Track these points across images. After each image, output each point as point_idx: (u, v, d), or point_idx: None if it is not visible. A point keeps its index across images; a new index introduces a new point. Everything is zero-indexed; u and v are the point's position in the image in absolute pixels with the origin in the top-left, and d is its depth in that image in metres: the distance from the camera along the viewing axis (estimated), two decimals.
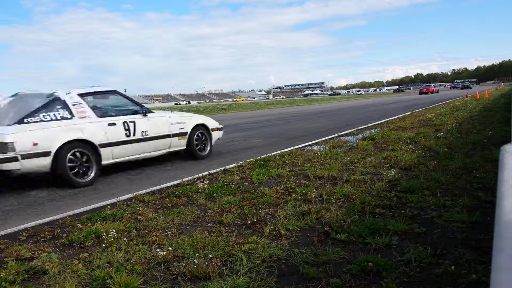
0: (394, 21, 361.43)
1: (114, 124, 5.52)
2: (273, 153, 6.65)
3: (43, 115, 4.97)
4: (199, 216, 3.51)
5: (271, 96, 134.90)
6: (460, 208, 3.27)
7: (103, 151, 5.32)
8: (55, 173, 4.93)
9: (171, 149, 6.45)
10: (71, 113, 5.18)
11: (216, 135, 7.30)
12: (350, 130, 9.83)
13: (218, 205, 3.74)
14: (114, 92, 6.13)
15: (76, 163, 5.02)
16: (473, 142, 6.46)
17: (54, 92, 5.31)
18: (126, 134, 5.64)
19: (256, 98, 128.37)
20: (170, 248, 2.75)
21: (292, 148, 7.32)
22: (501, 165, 1.03)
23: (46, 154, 4.77)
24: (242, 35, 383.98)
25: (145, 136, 5.90)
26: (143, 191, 4.51)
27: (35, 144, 4.70)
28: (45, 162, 4.79)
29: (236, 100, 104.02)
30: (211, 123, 7.23)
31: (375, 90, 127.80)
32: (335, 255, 2.54)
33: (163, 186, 4.78)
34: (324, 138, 8.57)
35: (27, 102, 5.33)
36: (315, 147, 7.29)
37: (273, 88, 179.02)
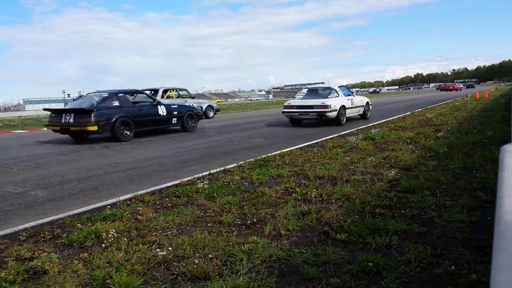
0: (394, 21, 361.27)
1: (348, 99, 12.36)
2: (273, 153, 6.65)
3: (332, 95, 12.03)
4: (199, 216, 3.51)
5: (271, 96, 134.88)
6: (460, 208, 3.27)
7: (346, 111, 12.06)
8: (336, 119, 11.60)
9: (359, 113, 13.37)
10: (338, 94, 12.14)
11: (371, 107, 14.33)
12: (350, 130, 9.84)
13: (218, 205, 3.74)
14: (343, 86, 13.48)
15: (341, 115, 11.76)
16: (473, 142, 6.46)
17: (331, 86, 12.89)
18: (350, 103, 12.40)
19: (255, 98, 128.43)
20: (170, 248, 2.75)
21: (292, 148, 7.32)
22: (501, 165, 1.02)
23: (335, 110, 11.46)
24: (242, 35, 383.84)
25: (354, 106, 12.69)
26: (143, 191, 4.51)
27: (334, 105, 11.44)
28: (335, 114, 11.49)
29: None
30: (371, 101, 14.34)
31: (375, 90, 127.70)
32: (335, 255, 2.54)
33: (163, 186, 4.78)
34: (324, 138, 8.57)
35: (318, 90, 12.85)
36: (315, 147, 7.29)
37: (273, 88, 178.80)
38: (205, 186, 4.51)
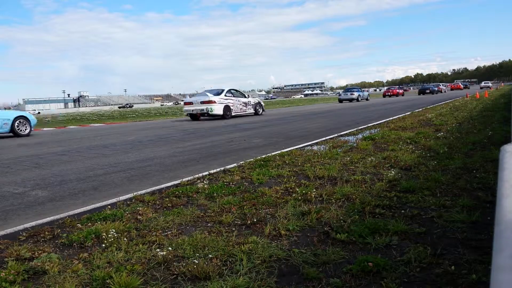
0: (394, 21, 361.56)
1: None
2: (273, 153, 6.65)
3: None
4: (199, 216, 3.51)
5: (271, 96, 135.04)
6: (460, 208, 3.27)
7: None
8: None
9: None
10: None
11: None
12: (350, 130, 9.83)
13: (218, 205, 3.74)
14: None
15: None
16: (473, 142, 6.46)
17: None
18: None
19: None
20: (170, 248, 2.75)
21: (292, 148, 7.32)
22: (501, 165, 1.02)
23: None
24: (242, 35, 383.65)
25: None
26: (143, 191, 4.51)
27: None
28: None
29: None
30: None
31: (375, 90, 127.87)
32: (335, 255, 2.54)
33: (163, 186, 4.78)
34: (324, 138, 8.57)
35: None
36: (315, 147, 7.29)
37: (273, 88, 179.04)
38: (205, 186, 4.51)
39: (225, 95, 18.31)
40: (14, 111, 15.87)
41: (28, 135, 13.84)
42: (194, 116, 18.63)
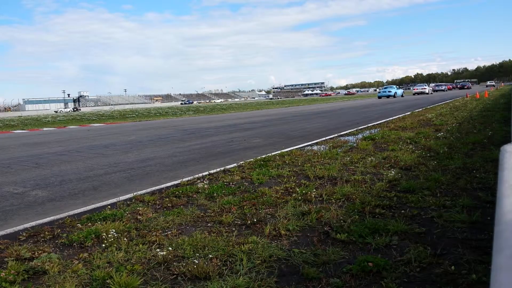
0: (394, 21, 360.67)
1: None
2: (273, 153, 6.65)
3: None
4: (199, 216, 3.50)
5: (271, 96, 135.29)
6: (460, 208, 3.27)
7: None
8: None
9: None
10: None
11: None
12: (350, 130, 9.83)
13: (218, 205, 3.74)
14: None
15: None
16: (473, 142, 6.46)
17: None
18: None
19: (256, 98, 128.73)
20: (170, 248, 2.75)
21: (292, 148, 7.32)
22: (501, 165, 1.03)
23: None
24: (242, 35, 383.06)
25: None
26: (143, 191, 4.51)
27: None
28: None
29: None
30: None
31: (375, 90, 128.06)
32: (335, 255, 2.54)
33: (163, 186, 4.78)
34: (324, 138, 8.57)
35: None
36: (315, 147, 7.29)
37: (273, 88, 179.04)
38: (205, 186, 4.51)
39: (428, 86, 47.41)
40: (399, 89, 43.22)
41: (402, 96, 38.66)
42: (417, 94, 43.23)
